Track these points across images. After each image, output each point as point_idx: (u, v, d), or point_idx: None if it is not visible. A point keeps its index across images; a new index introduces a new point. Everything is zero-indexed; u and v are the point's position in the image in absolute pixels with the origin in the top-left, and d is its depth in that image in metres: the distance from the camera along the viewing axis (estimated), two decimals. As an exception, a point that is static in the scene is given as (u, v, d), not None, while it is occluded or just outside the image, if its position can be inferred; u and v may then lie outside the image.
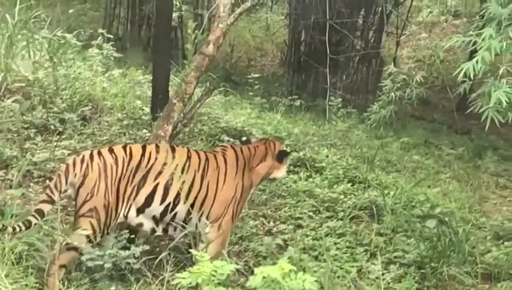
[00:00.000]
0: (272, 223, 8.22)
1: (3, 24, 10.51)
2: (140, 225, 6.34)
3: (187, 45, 9.40)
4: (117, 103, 10.37)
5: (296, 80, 16.97)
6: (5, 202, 6.51)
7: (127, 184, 6.17)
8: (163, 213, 6.36)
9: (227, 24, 8.38)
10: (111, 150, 6.23)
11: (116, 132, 9.46)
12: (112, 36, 12.68)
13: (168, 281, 5.49)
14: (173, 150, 6.50)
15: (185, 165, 6.43)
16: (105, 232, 6.12)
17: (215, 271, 5.19)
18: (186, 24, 9.31)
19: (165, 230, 6.45)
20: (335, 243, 7.79)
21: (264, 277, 5.18)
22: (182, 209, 6.41)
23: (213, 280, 5.18)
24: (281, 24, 19.32)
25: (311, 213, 8.56)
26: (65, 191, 6.06)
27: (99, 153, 6.19)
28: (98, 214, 6.03)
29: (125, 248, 6.06)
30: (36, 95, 9.62)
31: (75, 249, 5.96)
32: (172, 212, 6.38)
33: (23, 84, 9.78)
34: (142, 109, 10.44)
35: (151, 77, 10.55)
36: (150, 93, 10.38)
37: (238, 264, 6.00)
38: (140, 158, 6.27)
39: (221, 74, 15.55)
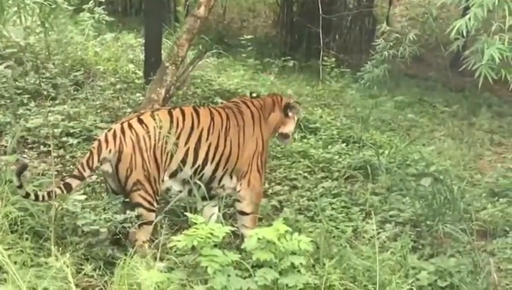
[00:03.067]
0: (267, 185, 8.22)
1: (-7, -10, 10.44)
2: (169, 189, 6.39)
3: (179, 7, 9.38)
4: (110, 67, 10.34)
5: (289, 41, 16.95)
6: (0, 168, 6.50)
7: (161, 152, 6.18)
8: (192, 176, 6.39)
9: (219, -15, 8.30)
10: (140, 121, 6.17)
11: (109, 96, 9.43)
12: (103, 0, 12.58)
13: (163, 245, 5.49)
14: (197, 112, 6.49)
15: (209, 126, 6.46)
16: (156, 198, 6.16)
17: (211, 234, 5.21)
18: (178, -14, 9.24)
19: (190, 191, 6.46)
20: (330, 203, 7.82)
21: (259, 239, 5.21)
22: (208, 170, 6.44)
23: (208, 243, 5.21)
24: (273, -16, 19.21)
25: (306, 174, 8.59)
26: (96, 167, 6.05)
27: (130, 126, 6.12)
28: (143, 186, 6.05)
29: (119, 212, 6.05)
30: (28, 61, 9.60)
31: (148, 223, 6.06)
32: (200, 174, 6.41)
33: (15, 50, 9.78)
34: (135, 73, 10.41)
35: (144, 41, 10.51)
36: (142, 57, 10.34)
37: (233, 226, 6.01)
38: (170, 125, 6.26)
39: (213, 36, 15.52)
